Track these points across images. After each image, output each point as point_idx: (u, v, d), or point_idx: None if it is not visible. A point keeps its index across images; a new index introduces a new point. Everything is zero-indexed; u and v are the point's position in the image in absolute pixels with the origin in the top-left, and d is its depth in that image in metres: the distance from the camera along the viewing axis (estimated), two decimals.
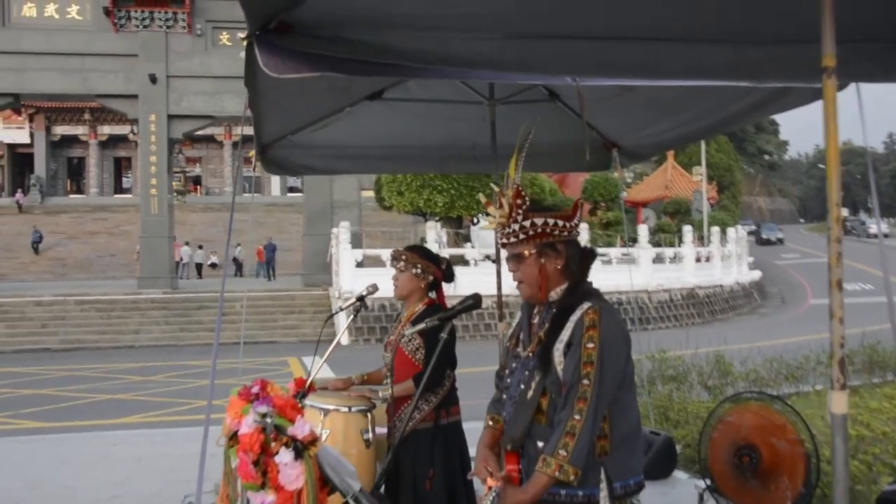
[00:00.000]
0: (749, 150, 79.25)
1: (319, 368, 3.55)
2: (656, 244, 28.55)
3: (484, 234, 26.62)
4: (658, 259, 25.94)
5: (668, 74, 2.48)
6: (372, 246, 24.29)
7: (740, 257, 31.61)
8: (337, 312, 3.86)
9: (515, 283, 2.34)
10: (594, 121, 4.71)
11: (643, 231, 25.75)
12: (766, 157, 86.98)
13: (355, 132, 4.54)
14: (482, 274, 19.58)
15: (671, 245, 28.51)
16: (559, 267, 2.27)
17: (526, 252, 2.28)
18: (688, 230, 27.15)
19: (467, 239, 26.58)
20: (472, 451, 3.57)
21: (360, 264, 21.65)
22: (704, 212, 33.24)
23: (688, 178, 44.64)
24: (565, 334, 2.18)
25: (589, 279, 2.33)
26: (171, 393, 12.22)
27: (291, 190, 55.23)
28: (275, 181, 56.02)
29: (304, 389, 3.41)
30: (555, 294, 2.29)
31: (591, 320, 2.15)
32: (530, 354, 2.29)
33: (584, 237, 24.83)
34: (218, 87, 24.38)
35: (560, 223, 2.27)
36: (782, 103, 3.17)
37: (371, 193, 29.51)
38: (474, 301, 2.46)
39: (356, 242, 22.33)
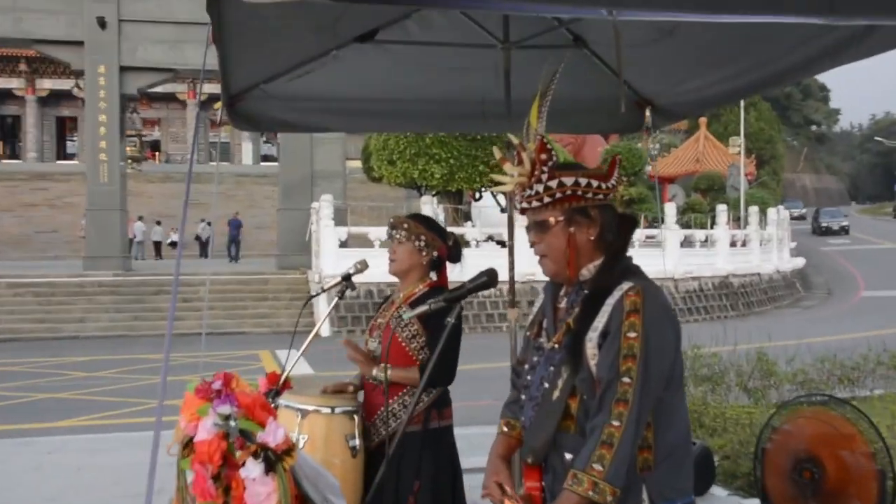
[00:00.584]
0: (794, 119, 79.11)
1: (296, 362, 3.43)
2: (685, 225, 28.52)
3: (487, 211, 26.51)
4: (687, 242, 25.93)
5: (730, 8, 2.32)
6: (358, 223, 24.14)
7: (781, 242, 31.60)
8: (317, 294, 3.73)
9: (538, 257, 2.22)
10: (625, 73, 4.55)
11: (670, 210, 25.68)
12: (814, 127, 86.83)
13: (342, 81, 4.40)
14: (485, 256, 19.39)
15: (702, 226, 28.47)
16: (592, 237, 2.16)
17: (551, 219, 2.16)
18: (722, 210, 27.11)
19: (468, 217, 26.50)
20: (468, 463, 3.46)
21: (344, 244, 21.55)
22: (741, 189, 33.17)
23: (722, 150, 44.56)
24: (600, 321, 2.06)
25: (629, 253, 2.21)
26: (122, 391, 12.11)
27: (265, 159, 55.01)
28: (246, 148, 55.78)
29: (276, 386, 3.30)
30: (587, 271, 2.18)
31: (633, 304, 2.03)
32: (556, 346, 2.18)
33: None
34: (180, 34, 24.07)
35: (594, 183, 2.16)
36: (860, 49, 3.01)
37: (357, 163, 29.35)
38: (489, 278, 2.33)
39: (340, 219, 22.21)
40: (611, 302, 2.06)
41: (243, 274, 23.89)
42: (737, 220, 31.01)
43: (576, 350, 2.08)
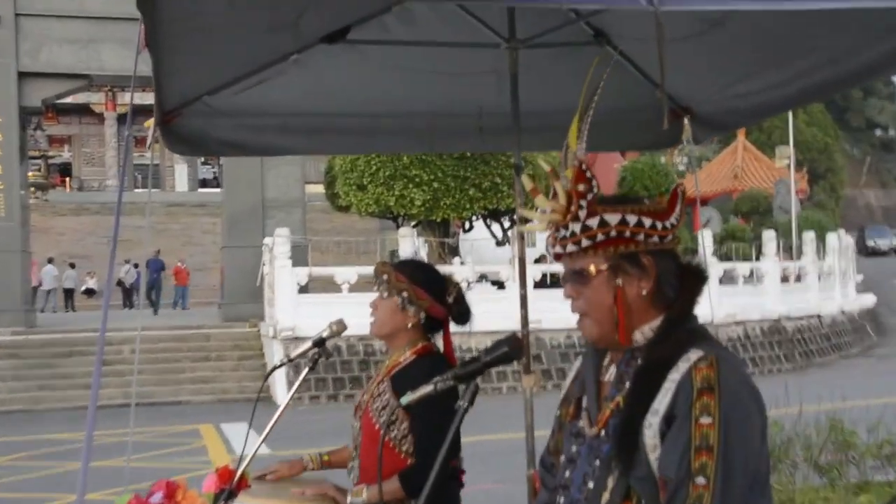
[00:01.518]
0: (853, 122, 79.65)
1: (256, 450, 3.33)
2: (724, 257, 28.57)
3: (479, 244, 26.51)
4: (727, 278, 26.00)
5: None
6: (321, 262, 24.06)
7: (845, 275, 31.70)
8: (282, 364, 3.62)
9: (576, 316, 2.16)
10: (659, 76, 4.54)
11: (705, 239, 25.73)
12: (878, 132, 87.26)
13: (305, 92, 4.40)
14: (479, 301, 19.27)
15: (745, 258, 28.54)
16: (645, 292, 2.10)
17: (592, 267, 2.10)
18: (769, 237, 27.21)
19: (456, 251, 26.46)
20: None
21: (304, 289, 21.45)
22: (793, 210, 33.37)
23: (766, 163, 45.06)
24: (662, 402, 1.98)
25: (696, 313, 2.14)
26: (24, 484, 11.88)
27: (204, 184, 55.07)
28: (180, 172, 55.83)
29: (230, 486, 3.20)
30: (641, 335, 2.11)
31: (706, 379, 1.95)
32: (601, 433, 2.10)
33: None
34: (94, 32, 24.10)
35: (647, 222, 2.10)
36: None
37: (320, 188, 29.36)
38: (510, 348, 2.21)
39: (299, 258, 22.12)
40: (675, 377, 1.98)
41: (179, 328, 23.69)
42: (788, 250, 31.15)
43: (630, 439, 2.00)
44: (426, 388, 2.22)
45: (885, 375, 20.73)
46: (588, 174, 2.10)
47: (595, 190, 2.10)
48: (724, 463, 1.90)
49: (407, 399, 2.24)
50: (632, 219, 2.09)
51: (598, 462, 2.09)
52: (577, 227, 2.10)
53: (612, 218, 2.08)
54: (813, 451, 7.43)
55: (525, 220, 2.26)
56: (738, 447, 1.93)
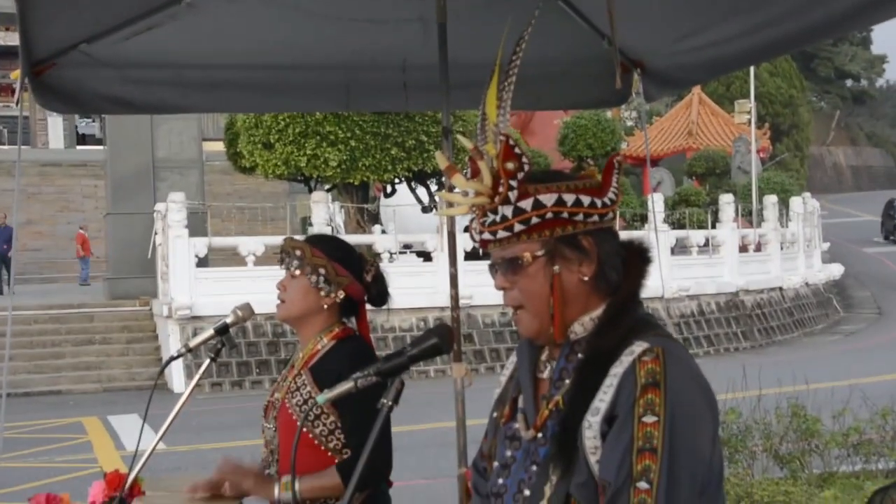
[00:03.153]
0: (821, 72, 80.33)
1: (151, 452, 3.31)
2: (677, 224, 28.92)
3: (403, 211, 26.50)
4: (680, 248, 26.36)
5: None
6: (223, 231, 23.86)
7: (810, 244, 32.33)
8: (180, 355, 3.59)
9: (511, 309, 2.17)
10: (608, 26, 4.58)
11: (656, 203, 26.00)
12: (849, 82, 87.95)
13: (202, 41, 4.38)
14: (403, 274, 19.44)
15: (700, 225, 28.93)
16: (586, 277, 2.12)
17: (527, 254, 2.12)
18: (727, 202, 27.57)
19: (376, 219, 26.43)
20: None
21: (203, 262, 21.26)
22: (753, 172, 33.91)
23: (725, 118, 45.55)
24: (603, 399, 2.01)
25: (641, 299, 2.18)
26: None
27: (84, 140, 53.92)
28: (54, 126, 54.61)
29: (121, 493, 3.18)
30: (581, 327, 2.14)
31: (650, 374, 1.98)
32: (537, 436, 2.13)
33: None
34: None
35: (584, 200, 2.11)
36: None
37: (220, 146, 29.00)
38: (439, 339, 2.23)
39: (196, 227, 21.92)
40: (617, 371, 2.01)
41: (57, 307, 23.36)
42: (747, 216, 31.64)
43: (568, 442, 2.03)
44: (345, 385, 2.22)
45: (852, 354, 21.25)
46: (517, 150, 2.10)
47: (526, 168, 2.10)
48: (670, 466, 1.93)
49: (324, 397, 2.24)
50: (569, 198, 2.10)
51: (534, 468, 2.11)
52: (508, 211, 2.10)
53: (548, 198, 2.09)
54: (773, 440, 7.56)
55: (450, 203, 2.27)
56: (686, 448, 1.96)
